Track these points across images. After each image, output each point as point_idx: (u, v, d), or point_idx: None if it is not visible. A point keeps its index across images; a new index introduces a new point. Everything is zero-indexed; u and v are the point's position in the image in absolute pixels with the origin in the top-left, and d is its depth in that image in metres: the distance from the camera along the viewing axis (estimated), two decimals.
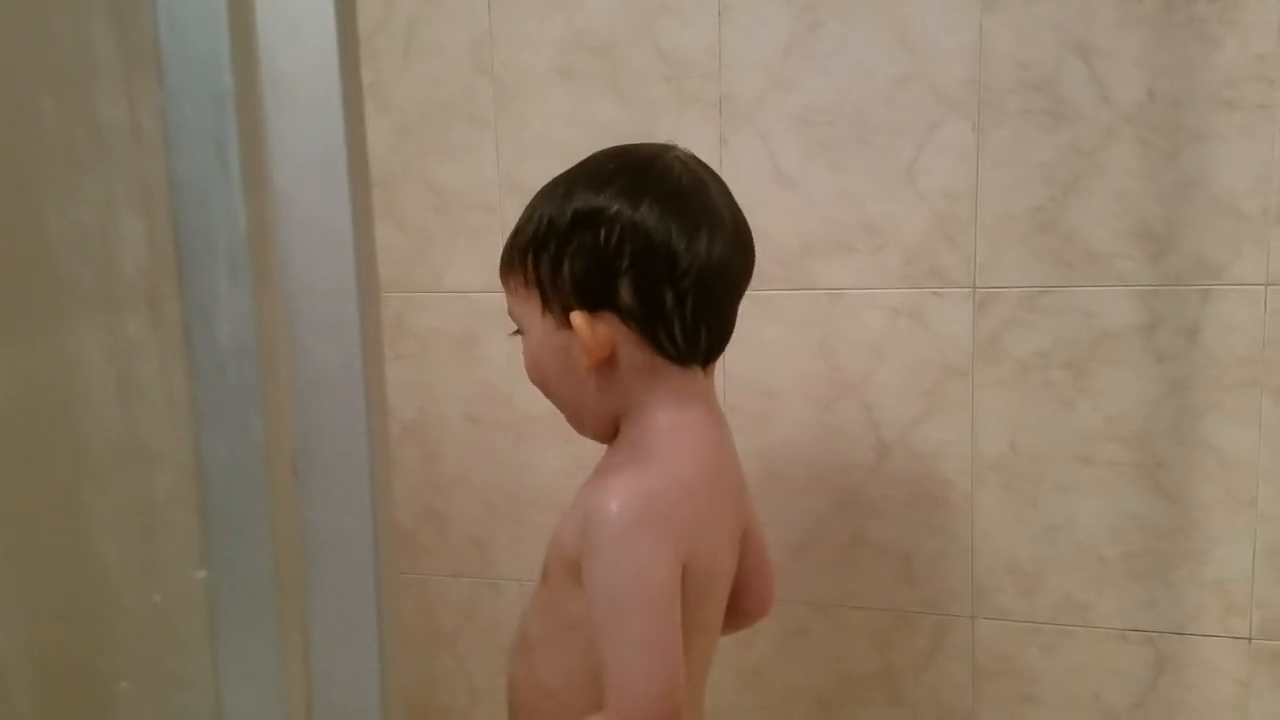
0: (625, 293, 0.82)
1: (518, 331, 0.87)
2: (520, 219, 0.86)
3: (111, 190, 0.43)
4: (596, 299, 0.82)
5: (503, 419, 1.36)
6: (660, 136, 1.22)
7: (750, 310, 1.22)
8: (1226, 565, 1.12)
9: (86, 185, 0.43)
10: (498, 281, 1.29)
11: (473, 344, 1.36)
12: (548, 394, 0.88)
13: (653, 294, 0.82)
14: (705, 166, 0.86)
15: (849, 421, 1.22)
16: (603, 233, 0.81)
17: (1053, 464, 1.15)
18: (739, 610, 0.94)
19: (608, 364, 0.83)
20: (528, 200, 1.17)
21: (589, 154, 0.87)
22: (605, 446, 0.89)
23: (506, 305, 0.87)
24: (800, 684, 1.28)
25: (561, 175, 0.86)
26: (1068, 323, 1.13)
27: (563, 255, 0.82)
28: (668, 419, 0.85)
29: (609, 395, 0.85)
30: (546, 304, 0.83)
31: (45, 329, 0.44)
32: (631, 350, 0.82)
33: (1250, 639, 1.12)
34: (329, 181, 0.39)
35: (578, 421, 0.89)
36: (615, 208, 0.81)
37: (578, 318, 0.81)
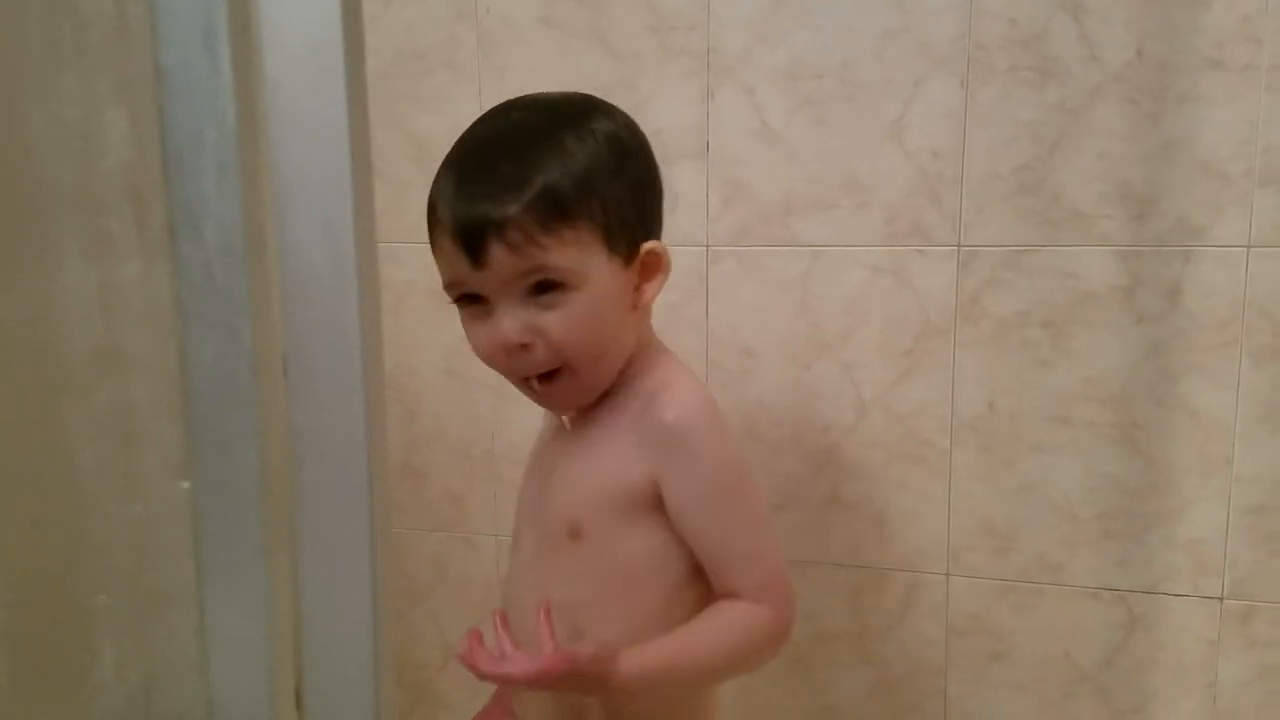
0: (659, 216, 0.86)
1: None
2: (528, 166, 0.78)
3: (94, 85, 0.42)
4: (653, 225, 0.85)
5: (481, 374, 1.34)
6: (645, 89, 1.22)
7: (731, 268, 1.22)
8: (1200, 526, 1.13)
9: (67, 80, 0.42)
10: None
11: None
12: (589, 353, 0.81)
13: (661, 215, 0.86)
14: None
15: (829, 380, 1.21)
16: (641, 157, 0.84)
17: (1030, 424, 1.16)
18: None
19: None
20: None
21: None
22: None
23: (529, 264, 0.77)
24: None
25: (545, 114, 0.83)
26: (1048, 282, 1.13)
27: (620, 188, 0.81)
28: (663, 346, 0.89)
29: (634, 334, 0.85)
30: (613, 244, 0.80)
31: (22, 231, 0.43)
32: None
33: (1222, 599, 1.13)
34: (323, 73, 0.38)
35: (602, 373, 0.84)
36: (631, 131, 0.84)
37: (657, 247, 0.83)
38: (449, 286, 0.82)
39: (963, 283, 1.15)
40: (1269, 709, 1.14)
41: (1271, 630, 1.12)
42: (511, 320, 0.78)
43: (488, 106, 1.29)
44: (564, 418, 0.91)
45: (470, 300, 0.81)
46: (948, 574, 1.21)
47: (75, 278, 0.42)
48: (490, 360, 0.83)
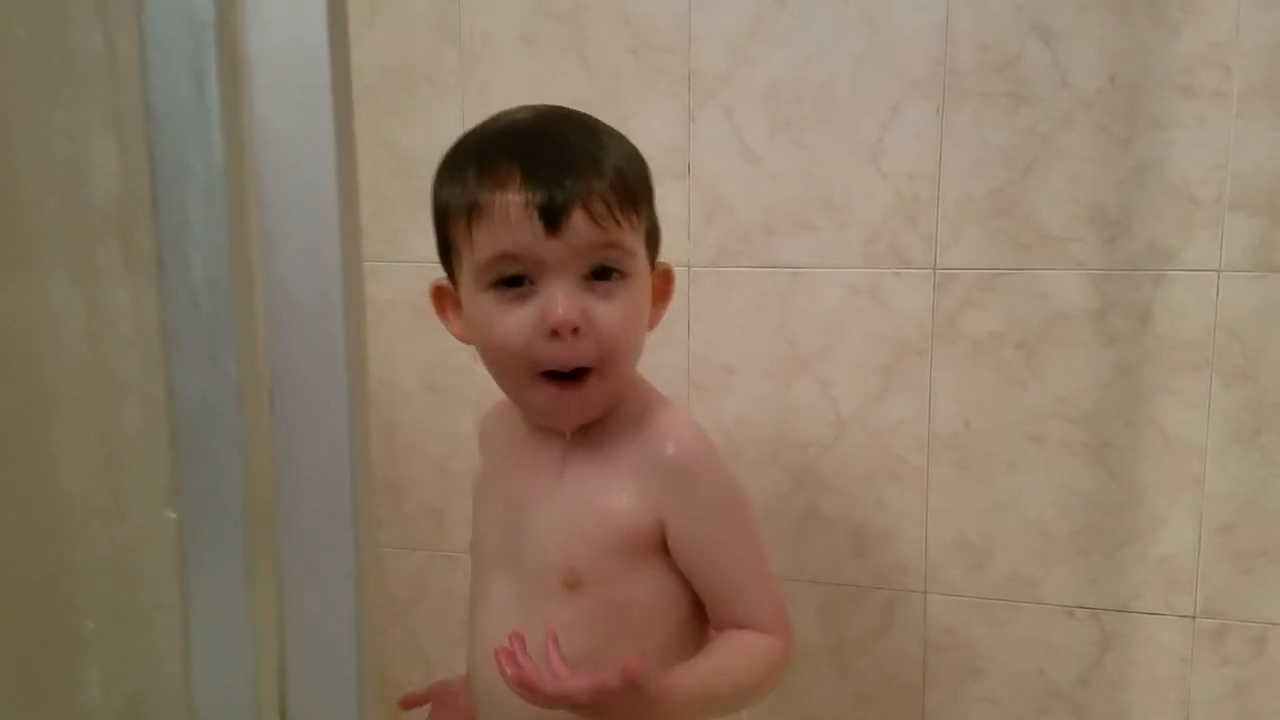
0: None
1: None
2: (602, 151, 0.77)
3: (85, 117, 0.42)
4: (658, 253, 0.85)
5: (461, 389, 1.36)
6: (626, 109, 1.23)
7: (711, 286, 1.24)
8: (1172, 544, 1.14)
9: (58, 113, 0.43)
10: None
11: (431, 313, 1.35)
12: (623, 354, 0.79)
13: None
14: None
15: (807, 397, 1.23)
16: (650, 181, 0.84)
17: (1004, 442, 1.17)
18: None
19: None
20: None
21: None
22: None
23: (606, 238, 0.76)
24: None
25: (580, 114, 0.82)
26: (1022, 304, 1.15)
27: (652, 202, 0.83)
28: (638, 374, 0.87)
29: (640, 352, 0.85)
30: (648, 249, 0.81)
31: (12, 258, 0.43)
32: None
33: (1194, 617, 1.15)
34: (310, 109, 0.39)
35: (619, 387, 0.81)
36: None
37: (672, 269, 0.85)
38: (498, 261, 0.76)
39: (939, 303, 1.17)
40: None
41: (1243, 648, 1.14)
42: (570, 299, 0.75)
43: (470, 122, 1.30)
44: (538, 445, 0.87)
45: (510, 284, 0.77)
46: (925, 590, 1.22)
47: (64, 304, 0.43)
48: (524, 348, 0.77)
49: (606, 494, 0.80)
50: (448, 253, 0.82)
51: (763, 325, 1.23)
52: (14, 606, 0.45)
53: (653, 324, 0.84)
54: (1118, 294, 1.12)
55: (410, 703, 0.98)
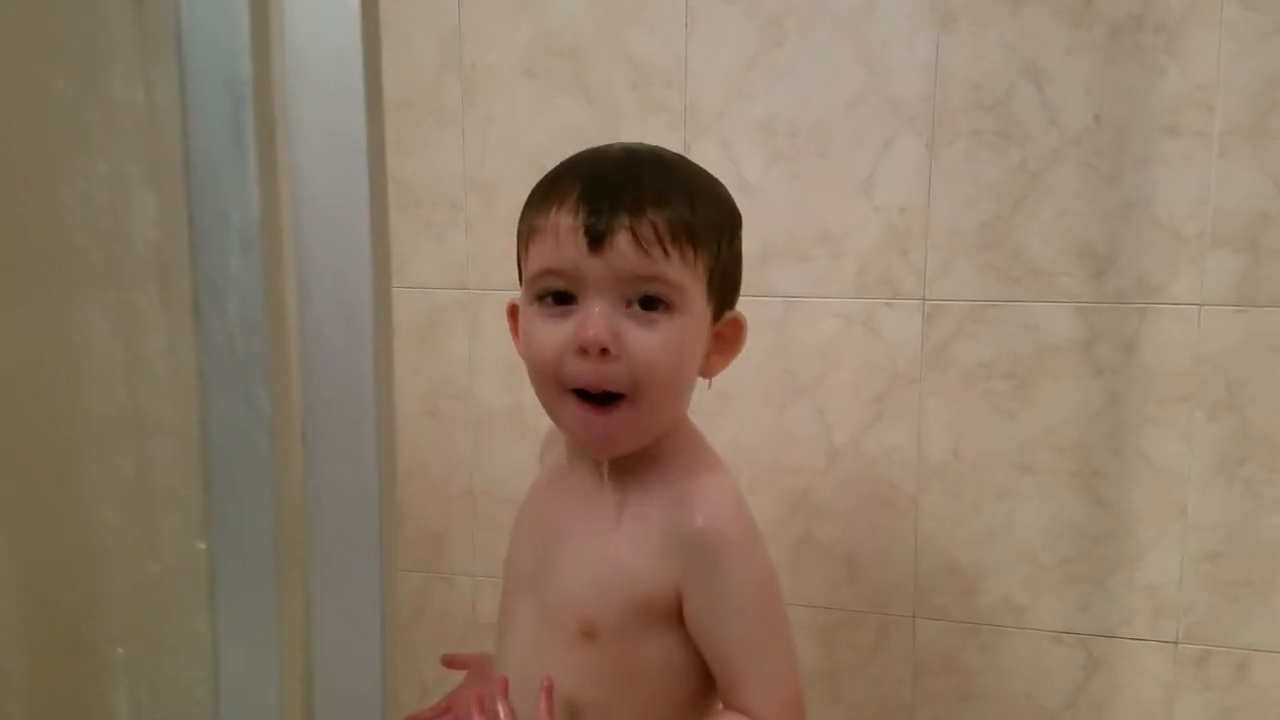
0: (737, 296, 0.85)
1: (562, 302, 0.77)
2: (668, 185, 0.77)
3: (126, 169, 0.44)
4: (735, 301, 0.84)
5: (461, 413, 1.38)
6: (625, 141, 1.25)
7: None
8: (1157, 572, 1.17)
9: (100, 164, 0.45)
10: (459, 277, 1.31)
11: (432, 338, 1.38)
12: (660, 387, 0.77)
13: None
14: None
15: (801, 424, 1.25)
16: (741, 237, 0.84)
17: (994, 470, 1.20)
18: None
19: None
20: (493, 198, 1.19)
21: (562, 156, 0.85)
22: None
23: (649, 268, 0.75)
24: None
25: (671, 154, 0.83)
26: (1011, 335, 1.17)
27: (732, 250, 0.82)
28: (701, 434, 0.87)
29: (689, 397, 0.83)
30: (711, 292, 0.79)
31: (55, 302, 0.45)
32: None
33: (1177, 643, 1.17)
34: (347, 170, 0.41)
35: (654, 424, 0.80)
36: (738, 213, 0.85)
37: (742, 319, 0.84)
38: (543, 275, 0.77)
39: (929, 333, 1.20)
40: None
41: (1225, 674, 1.16)
42: (603, 319, 0.74)
43: (473, 153, 1.33)
44: (578, 477, 0.86)
45: (557, 300, 0.77)
46: (914, 615, 1.24)
47: (104, 345, 0.45)
48: (554, 360, 0.77)
49: (630, 551, 0.80)
50: (520, 272, 0.83)
51: (759, 352, 1.25)
52: (49, 634, 0.47)
53: (712, 372, 0.83)
54: (1105, 326, 1.15)
55: (452, 663, 0.97)
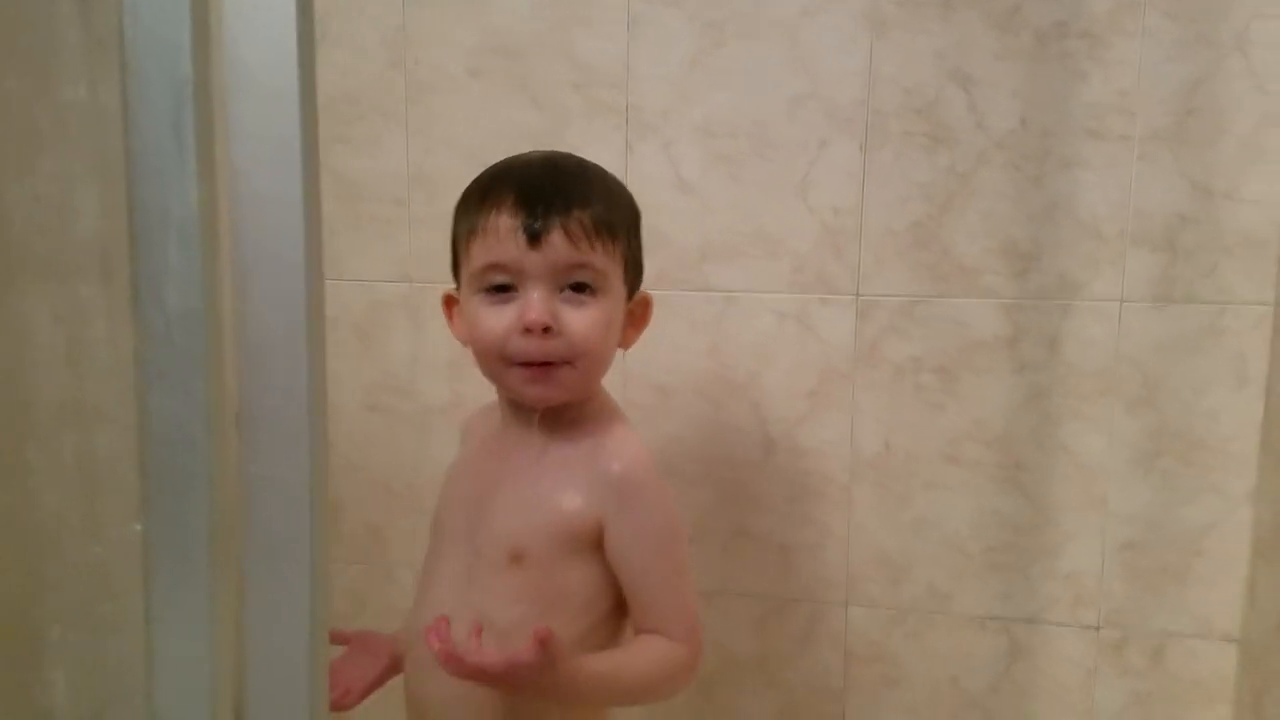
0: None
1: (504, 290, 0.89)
2: (588, 187, 0.90)
3: (71, 165, 0.46)
4: (639, 285, 0.97)
5: (403, 408, 1.39)
6: (568, 142, 1.28)
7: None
8: (1078, 560, 1.21)
9: (47, 160, 0.46)
10: (402, 273, 1.33)
11: (373, 333, 1.39)
12: (592, 355, 0.90)
13: None
14: None
15: (738, 418, 1.28)
16: (640, 229, 0.96)
17: (922, 463, 1.24)
18: None
19: None
20: (437, 195, 1.23)
21: (506, 154, 0.96)
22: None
23: (578, 258, 0.88)
24: None
25: (585, 161, 0.95)
26: (940, 332, 1.21)
27: (637, 239, 0.96)
28: (611, 398, 0.99)
29: (610, 365, 0.95)
30: (626, 276, 0.93)
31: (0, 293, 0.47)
32: None
33: (1098, 628, 1.22)
34: (283, 166, 0.43)
35: (586, 383, 0.92)
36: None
37: (650, 298, 0.97)
38: (488, 270, 0.89)
39: (862, 330, 1.23)
40: None
41: (1142, 659, 1.21)
42: (544, 303, 0.87)
43: (417, 151, 1.35)
44: (512, 440, 0.96)
45: (498, 290, 0.89)
46: (846, 603, 1.28)
47: (47, 335, 0.46)
48: (501, 341, 0.89)
49: (558, 490, 0.91)
50: (457, 268, 0.94)
51: (697, 348, 1.28)
52: None
53: (627, 344, 0.97)
54: (1029, 323, 1.19)
55: (336, 638, 1.04)
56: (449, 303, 0.97)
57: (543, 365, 0.89)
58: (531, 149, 0.97)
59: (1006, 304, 1.19)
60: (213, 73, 0.44)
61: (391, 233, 1.36)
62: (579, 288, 0.89)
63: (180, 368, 0.45)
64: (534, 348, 0.88)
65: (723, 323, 1.27)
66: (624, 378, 1.29)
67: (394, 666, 1.02)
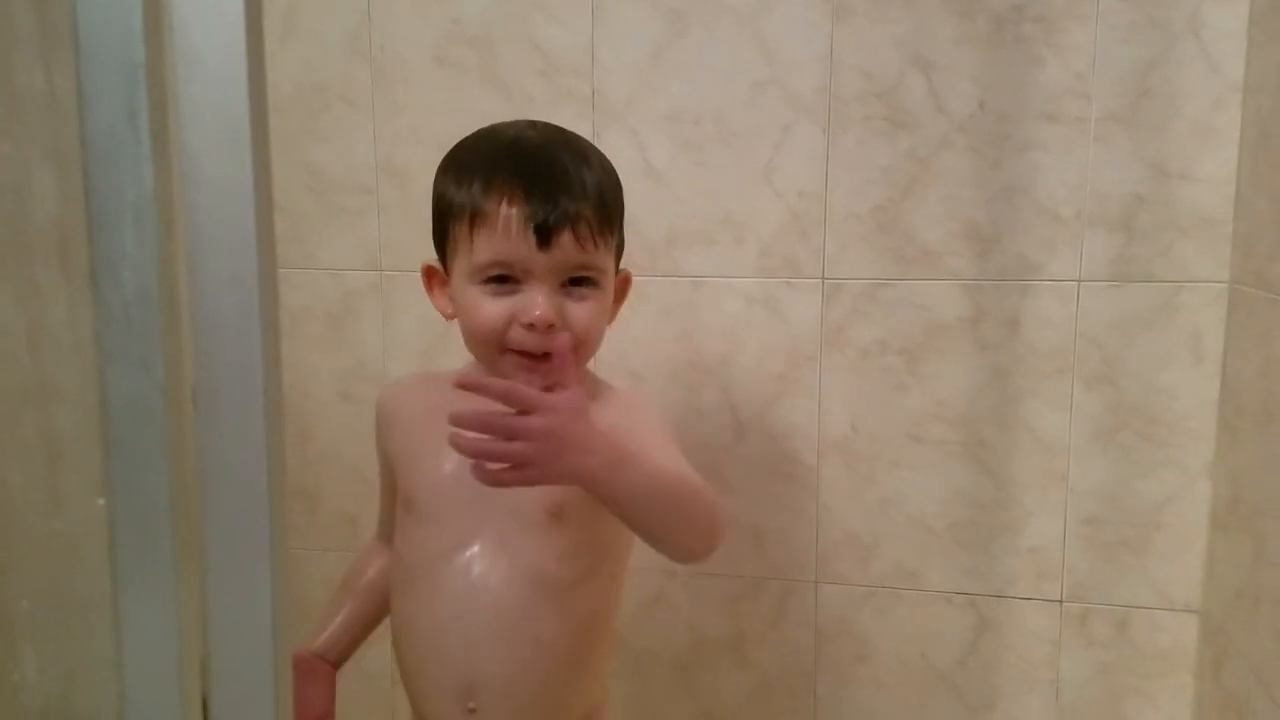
0: None
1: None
2: (590, 178, 0.90)
3: (27, 150, 0.47)
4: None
5: (375, 396, 1.39)
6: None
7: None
8: (1040, 535, 1.24)
9: (3, 143, 0.47)
10: (372, 261, 1.34)
11: (345, 322, 1.40)
12: (592, 343, 0.92)
13: None
14: None
15: (709, 402, 1.30)
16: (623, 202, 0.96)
17: (888, 443, 1.26)
18: None
19: None
20: (405, 184, 1.23)
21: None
22: None
23: (584, 258, 0.89)
24: (656, 648, 1.36)
25: (574, 136, 0.94)
26: (903, 313, 1.23)
27: (623, 215, 0.96)
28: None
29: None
30: (616, 260, 0.95)
31: None
32: None
33: (1061, 601, 1.24)
34: (234, 147, 0.44)
35: (581, 372, 0.94)
36: None
37: (630, 274, 0.98)
38: (492, 264, 0.88)
39: (827, 313, 1.25)
40: (1106, 704, 1.25)
41: (1106, 630, 1.24)
42: (549, 301, 0.88)
43: (384, 141, 1.35)
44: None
45: (499, 281, 0.89)
46: (816, 581, 1.30)
47: (6, 316, 0.47)
48: (501, 330, 0.89)
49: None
50: (443, 241, 0.93)
51: (667, 332, 1.30)
52: None
53: (612, 319, 0.97)
54: (989, 304, 1.21)
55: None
56: (429, 274, 0.96)
57: (542, 355, 0.89)
58: (504, 126, 0.95)
59: (967, 285, 1.21)
60: (165, 57, 0.45)
61: (361, 222, 1.36)
62: (580, 281, 0.90)
63: (138, 346, 0.46)
64: (535, 341, 0.88)
65: (691, 308, 1.29)
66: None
67: (333, 679, 1.03)
